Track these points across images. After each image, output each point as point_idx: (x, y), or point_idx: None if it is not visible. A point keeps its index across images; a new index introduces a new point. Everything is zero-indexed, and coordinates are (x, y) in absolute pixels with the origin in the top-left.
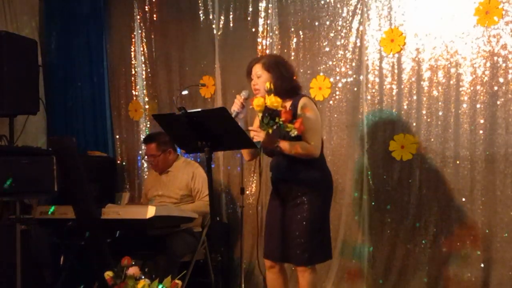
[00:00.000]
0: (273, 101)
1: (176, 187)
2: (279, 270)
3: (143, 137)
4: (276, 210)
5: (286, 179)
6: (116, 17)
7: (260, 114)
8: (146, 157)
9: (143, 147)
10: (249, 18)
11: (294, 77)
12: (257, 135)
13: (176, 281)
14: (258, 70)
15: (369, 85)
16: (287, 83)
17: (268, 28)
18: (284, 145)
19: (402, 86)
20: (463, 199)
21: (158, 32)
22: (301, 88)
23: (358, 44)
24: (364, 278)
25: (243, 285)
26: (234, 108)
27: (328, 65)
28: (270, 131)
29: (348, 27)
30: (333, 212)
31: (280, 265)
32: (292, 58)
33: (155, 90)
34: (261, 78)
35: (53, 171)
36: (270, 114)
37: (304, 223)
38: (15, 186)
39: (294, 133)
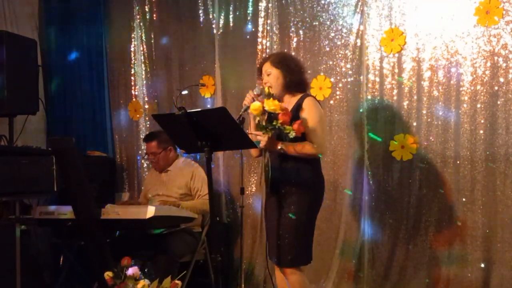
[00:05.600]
0: (270, 104)
1: (175, 186)
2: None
3: (143, 137)
4: (270, 209)
5: (277, 179)
6: (115, 17)
7: (257, 118)
8: (146, 156)
9: (143, 146)
10: (249, 18)
11: (304, 72)
12: (260, 139)
13: (176, 281)
14: (267, 68)
15: (370, 85)
16: (296, 76)
17: (268, 28)
18: (287, 146)
19: (403, 86)
20: (463, 199)
21: (157, 31)
22: (309, 85)
23: (359, 43)
24: (364, 278)
25: (243, 285)
26: (245, 103)
27: (328, 65)
28: (269, 134)
29: (348, 27)
30: (333, 212)
31: None
32: None
33: (154, 90)
34: (271, 75)
35: (53, 171)
36: (268, 117)
37: (290, 224)
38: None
39: (292, 135)
